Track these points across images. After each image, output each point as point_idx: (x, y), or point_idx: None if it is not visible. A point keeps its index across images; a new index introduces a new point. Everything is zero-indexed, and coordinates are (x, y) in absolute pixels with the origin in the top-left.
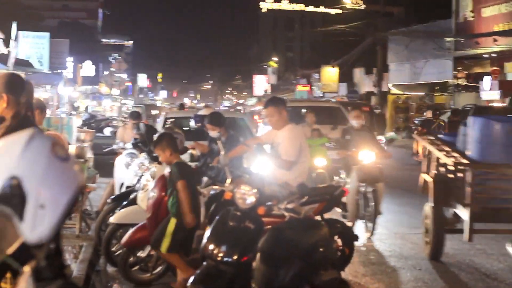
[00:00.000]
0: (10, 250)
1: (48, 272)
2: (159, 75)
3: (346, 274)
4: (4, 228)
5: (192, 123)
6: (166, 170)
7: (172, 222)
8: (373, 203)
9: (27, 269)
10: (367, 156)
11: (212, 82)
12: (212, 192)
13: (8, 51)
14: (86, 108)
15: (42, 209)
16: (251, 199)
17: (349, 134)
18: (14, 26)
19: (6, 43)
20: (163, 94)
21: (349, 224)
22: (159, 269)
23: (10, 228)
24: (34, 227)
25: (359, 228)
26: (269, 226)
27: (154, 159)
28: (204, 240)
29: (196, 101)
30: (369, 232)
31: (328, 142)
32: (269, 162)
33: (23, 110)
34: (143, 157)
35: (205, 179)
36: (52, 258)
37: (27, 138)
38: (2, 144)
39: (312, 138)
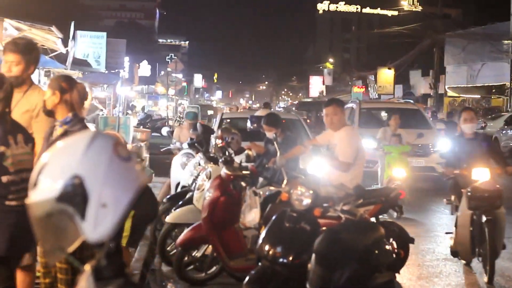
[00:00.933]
0: (71, 249)
1: (108, 271)
2: (215, 76)
3: (401, 276)
4: (66, 227)
5: (248, 123)
6: (223, 171)
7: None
8: (490, 237)
9: (87, 267)
10: (482, 174)
11: (267, 83)
12: (267, 193)
13: (67, 51)
14: (143, 107)
15: (103, 208)
16: (307, 201)
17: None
18: (72, 25)
19: (65, 43)
20: (218, 94)
21: (463, 262)
22: (213, 269)
23: (72, 227)
24: (95, 226)
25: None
26: (325, 228)
27: (210, 159)
28: (260, 240)
29: (251, 102)
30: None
31: (409, 150)
32: (325, 163)
33: (76, 109)
34: (199, 157)
35: (260, 179)
36: (113, 257)
37: (90, 138)
38: (65, 143)
39: (393, 145)
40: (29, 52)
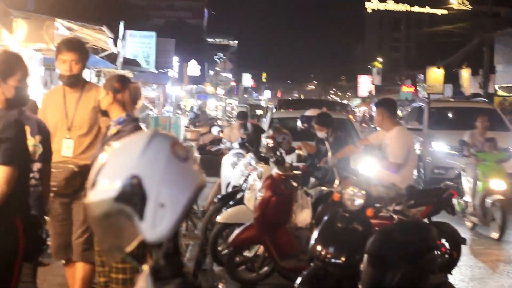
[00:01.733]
0: (129, 248)
1: (166, 271)
2: (264, 75)
3: (453, 277)
4: (124, 227)
5: (298, 123)
6: (274, 171)
7: None
8: None
9: (145, 267)
10: None
11: (316, 82)
12: (319, 193)
13: (118, 51)
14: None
15: (161, 208)
16: (359, 201)
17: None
18: (121, 25)
19: (115, 43)
20: (267, 94)
21: None
22: (265, 269)
23: (130, 227)
24: (153, 226)
25: None
26: (377, 228)
27: (261, 159)
28: (312, 241)
29: None
30: None
31: (507, 158)
32: (376, 163)
33: (129, 109)
34: (249, 157)
35: (312, 180)
36: (171, 257)
37: (148, 138)
38: (123, 144)
39: (487, 152)
40: (84, 50)
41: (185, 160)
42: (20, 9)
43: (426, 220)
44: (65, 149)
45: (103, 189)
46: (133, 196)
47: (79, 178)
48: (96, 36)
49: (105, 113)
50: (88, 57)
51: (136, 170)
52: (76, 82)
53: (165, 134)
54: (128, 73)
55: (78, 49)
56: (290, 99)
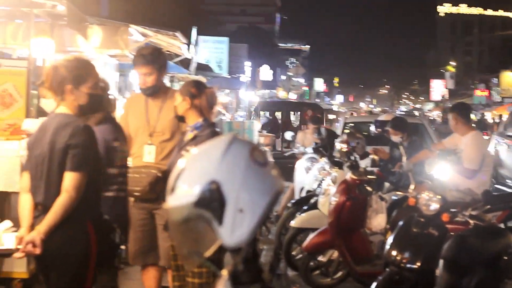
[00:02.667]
0: (208, 253)
1: (245, 276)
2: (336, 80)
3: None
4: (203, 232)
5: (372, 128)
6: (348, 175)
7: None
8: None
9: (224, 272)
10: None
11: (388, 86)
12: (394, 197)
13: (191, 57)
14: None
15: (240, 213)
16: (435, 206)
17: None
18: (194, 31)
19: (188, 48)
20: (339, 98)
21: None
22: (339, 274)
23: (209, 232)
24: (232, 231)
25: None
26: (453, 233)
27: (335, 164)
28: (387, 246)
29: (372, 106)
30: None
31: None
32: (451, 168)
33: (205, 114)
34: (323, 161)
35: (386, 184)
36: (249, 262)
37: (227, 143)
38: (202, 149)
39: None
40: (157, 59)
41: (263, 165)
42: (95, 15)
43: (502, 225)
44: (147, 155)
45: (182, 194)
46: (212, 201)
47: (162, 183)
48: (170, 42)
49: (181, 119)
50: (164, 65)
51: (215, 176)
52: (153, 92)
53: (244, 140)
54: (201, 79)
55: (151, 61)
56: (269, 100)
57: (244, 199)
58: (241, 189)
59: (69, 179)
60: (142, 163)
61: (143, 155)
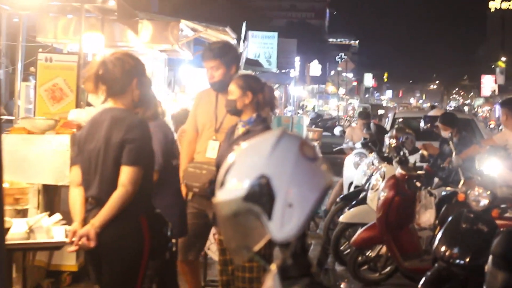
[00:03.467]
0: (257, 248)
1: (294, 270)
2: (385, 75)
3: None
4: (252, 226)
5: (422, 123)
6: (397, 170)
7: None
8: None
9: (273, 267)
10: None
11: (438, 82)
12: (443, 193)
13: (240, 51)
14: (313, 107)
15: (290, 208)
16: (484, 201)
17: None
18: (244, 26)
19: (237, 43)
20: (388, 93)
21: None
22: (388, 269)
23: (258, 226)
24: (281, 225)
25: None
26: (503, 229)
27: (384, 159)
28: (436, 241)
29: (421, 101)
30: None
31: None
32: (501, 164)
33: (260, 109)
34: (372, 157)
35: (436, 180)
36: (298, 257)
37: (276, 138)
38: (252, 143)
39: None
40: (225, 54)
41: (313, 159)
42: (145, 11)
43: None
44: (210, 150)
45: (232, 188)
46: (262, 195)
47: None
48: (220, 37)
49: (237, 113)
50: (233, 60)
51: (265, 170)
52: (220, 87)
53: (294, 134)
54: (251, 73)
55: (218, 55)
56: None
57: (294, 194)
58: (290, 184)
59: (126, 174)
60: (205, 159)
61: (207, 151)
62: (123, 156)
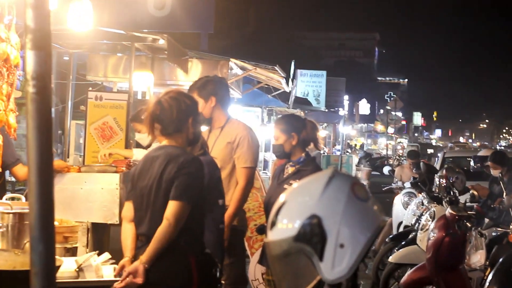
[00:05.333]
0: None
1: None
2: (434, 114)
3: None
4: (303, 266)
5: (472, 163)
6: (447, 211)
7: None
8: None
9: None
10: None
11: (488, 121)
12: (494, 233)
13: (290, 90)
14: (362, 146)
15: (341, 248)
16: None
17: None
18: (292, 65)
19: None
20: (437, 132)
21: None
22: None
23: (309, 267)
24: (333, 266)
25: None
26: None
27: (434, 199)
28: (487, 283)
29: (470, 141)
30: None
31: None
32: None
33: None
34: (422, 196)
35: (486, 220)
36: None
37: (328, 178)
38: (303, 183)
39: None
40: (203, 88)
41: (365, 200)
42: (195, 49)
43: None
44: None
45: (283, 228)
46: (313, 236)
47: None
48: (269, 76)
49: (287, 156)
50: (213, 91)
51: (316, 210)
52: (204, 120)
53: (345, 174)
54: (299, 112)
55: (195, 89)
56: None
57: (345, 234)
58: (342, 224)
59: (170, 207)
60: None
61: None
62: (171, 191)
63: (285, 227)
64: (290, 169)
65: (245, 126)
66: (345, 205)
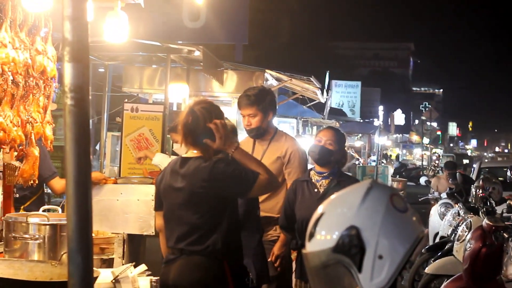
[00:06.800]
0: None
1: None
2: (470, 124)
3: None
4: (342, 278)
5: (508, 173)
6: (484, 221)
7: None
8: None
9: None
10: None
11: None
12: None
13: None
14: (397, 156)
15: (380, 259)
16: None
17: None
18: (327, 76)
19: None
20: (473, 143)
21: None
22: None
23: (347, 278)
24: (371, 277)
25: None
26: None
27: (470, 210)
28: None
29: (506, 151)
30: None
31: None
32: None
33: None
34: (458, 207)
35: None
36: None
37: (366, 189)
38: (341, 195)
39: None
40: (262, 101)
41: (404, 211)
42: (229, 60)
43: None
44: None
45: (321, 239)
46: (352, 247)
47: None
48: (304, 87)
49: (326, 164)
50: (270, 106)
51: (354, 221)
52: (257, 135)
53: (384, 185)
54: (335, 123)
55: (255, 102)
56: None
57: (384, 245)
58: (380, 235)
59: (256, 188)
60: None
61: None
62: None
63: (324, 238)
64: (324, 182)
65: (294, 141)
66: (383, 216)
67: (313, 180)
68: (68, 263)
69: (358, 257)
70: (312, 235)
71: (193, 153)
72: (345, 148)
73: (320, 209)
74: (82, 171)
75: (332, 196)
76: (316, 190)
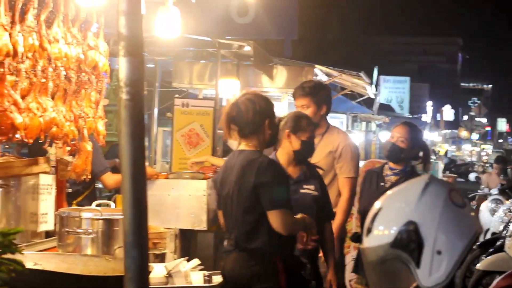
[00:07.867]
0: None
1: None
2: None
3: None
4: (399, 273)
5: None
6: None
7: None
8: None
9: None
10: None
11: None
12: None
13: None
14: (446, 152)
15: (438, 255)
16: None
17: None
18: (375, 71)
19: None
20: None
21: None
22: None
23: (405, 273)
24: (430, 273)
25: None
26: None
27: None
28: None
29: None
30: None
31: None
32: None
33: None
34: (509, 203)
35: None
36: None
37: (424, 184)
38: (399, 190)
39: None
40: (316, 93)
41: (462, 206)
42: (279, 56)
43: None
44: None
45: (379, 235)
46: (410, 242)
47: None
48: (354, 82)
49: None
50: (326, 98)
51: (413, 216)
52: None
53: (442, 181)
54: (384, 118)
55: (309, 94)
56: None
57: (442, 241)
58: (439, 231)
59: (274, 218)
60: None
61: None
62: (262, 202)
63: (382, 233)
64: (393, 178)
65: (346, 136)
66: (442, 211)
67: (383, 174)
68: (125, 257)
69: (416, 252)
70: (369, 230)
71: (245, 143)
72: (425, 144)
73: (377, 204)
74: (138, 165)
75: (390, 192)
76: (382, 184)
